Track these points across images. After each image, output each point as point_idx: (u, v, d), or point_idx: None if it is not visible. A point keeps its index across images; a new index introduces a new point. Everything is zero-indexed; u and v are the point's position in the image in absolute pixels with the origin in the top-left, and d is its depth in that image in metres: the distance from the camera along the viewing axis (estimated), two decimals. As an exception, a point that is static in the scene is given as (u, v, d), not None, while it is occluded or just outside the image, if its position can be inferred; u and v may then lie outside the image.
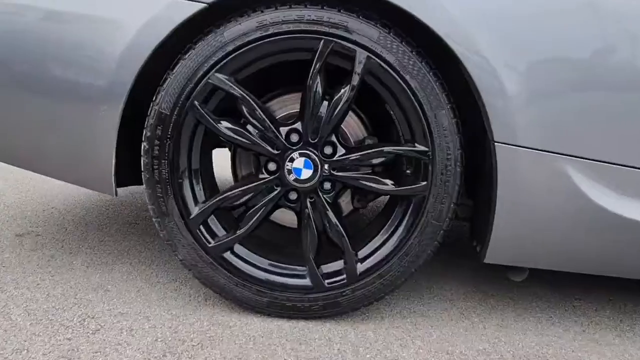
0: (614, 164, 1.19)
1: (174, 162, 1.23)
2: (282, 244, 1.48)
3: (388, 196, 1.41)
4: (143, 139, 1.23)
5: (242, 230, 1.26)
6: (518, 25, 1.14)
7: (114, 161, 1.27)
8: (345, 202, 1.45)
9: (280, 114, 1.40)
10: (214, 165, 1.58)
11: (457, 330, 1.33)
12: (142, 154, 1.23)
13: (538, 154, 1.17)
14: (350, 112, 1.41)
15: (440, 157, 1.21)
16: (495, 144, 1.19)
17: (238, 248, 1.30)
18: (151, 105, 1.22)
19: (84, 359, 1.05)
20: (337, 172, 1.25)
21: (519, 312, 1.48)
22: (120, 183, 1.35)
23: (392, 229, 1.29)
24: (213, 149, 1.58)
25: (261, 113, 1.22)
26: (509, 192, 1.22)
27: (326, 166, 1.24)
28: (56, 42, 1.21)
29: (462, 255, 1.92)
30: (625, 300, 1.62)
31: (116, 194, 1.32)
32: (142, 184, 1.28)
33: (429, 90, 1.19)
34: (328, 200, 1.28)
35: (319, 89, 1.21)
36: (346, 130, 1.40)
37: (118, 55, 1.18)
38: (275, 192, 1.26)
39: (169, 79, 1.19)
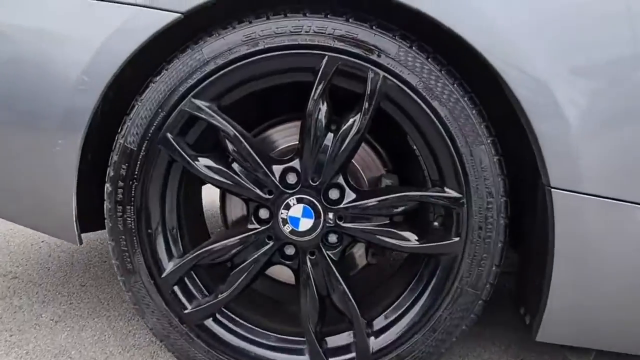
0: None
1: (142, 209, 0.99)
2: (279, 302, 1.22)
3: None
4: (106, 179, 1.00)
5: (224, 295, 1.01)
6: (588, 32, 0.86)
7: (74, 204, 1.04)
8: (358, 255, 1.18)
9: (281, 146, 1.15)
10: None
11: None
12: (105, 197, 1.00)
13: (613, 205, 0.88)
14: (366, 146, 1.16)
15: (477, 205, 0.94)
16: (552, 190, 0.90)
17: (223, 314, 1.05)
18: (116, 138, 0.99)
19: None
20: (344, 222, 0.98)
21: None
22: (89, 227, 1.12)
23: (415, 296, 1.01)
24: (203, 184, 1.34)
25: (248, 147, 0.97)
26: (571, 250, 0.93)
27: (331, 215, 0.98)
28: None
29: (503, 307, 1.61)
30: None
31: (81, 242, 1.10)
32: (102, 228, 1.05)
33: (463, 119, 0.92)
34: (333, 257, 1.01)
35: (322, 118, 0.96)
36: (357, 167, 1.14)
37: (74, 78, 0.96)
38: (268, 246, 1.01)
39: (136, 107, 0.97)
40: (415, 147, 1.00)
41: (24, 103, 1.00)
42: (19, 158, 1.04)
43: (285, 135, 1.15)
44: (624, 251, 0.91)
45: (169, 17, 0.91)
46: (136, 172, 0.98)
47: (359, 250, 1.17)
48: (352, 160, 1.13)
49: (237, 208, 1.21)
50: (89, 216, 1.09)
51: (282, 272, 1.16)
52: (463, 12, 0.87)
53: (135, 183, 0.98)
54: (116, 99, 1.01)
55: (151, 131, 0.96)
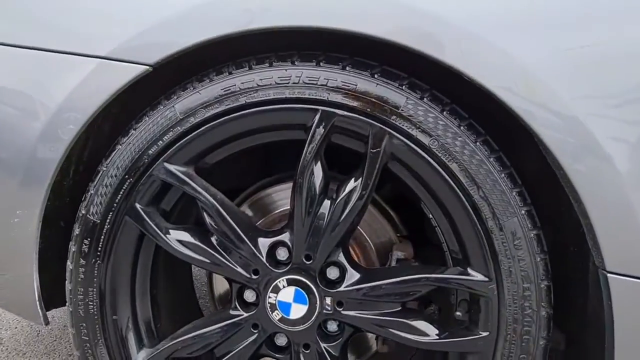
0: None
1: (106, 292, 0.84)
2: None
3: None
4: (68, 256, 0.86)
5: (202, 396, 0.83)
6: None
7: (37, 284, 0.90)
8: (368, 337, 0.99)
9: (280, 208, 0.99)
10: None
11: None
12: (66, 276, 0.86)
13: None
14: (374, 210, 0.98)
15: (511, 292, 0.74)
16: (608, 275, 0.70)
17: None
18: (79, 208, 0.85)
19: None
20: (345, 309, 0.80)
21: None
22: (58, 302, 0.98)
23: (435, 402, 0.81)
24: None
25: (229, 219, 0.81)
26: (635, 343, 0.72)
27: (328, 300, 0.80)
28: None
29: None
30: None
31: (47, 322, 0.95)
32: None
33: (489, 185, 0.74)
34: (332, 352, 0.83)
35: (316, 183, 0.79)
36: (364, 233, 0.96)
37: (32, 142, 0.83)
38: (253, 337, 0.83)
39: (100, 172, 0.83)
40: (431, 217, 0.82)
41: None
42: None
43: (280, 198, 0.99)
44: None
45: (135, 71, 0.78)
46: (99, 249, 0.83)
47: (370, 338, 0.98)
48: (360, 228, 0.96)
49: (224, 284, 1.04)
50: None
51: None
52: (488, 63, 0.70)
53: (99, 261, 0.83)
54: (80, 167, 0.88)
55: (117, 200, 0.82)
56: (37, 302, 0.92)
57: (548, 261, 0.75)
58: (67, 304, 0.87)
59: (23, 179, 0.85)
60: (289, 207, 0.95)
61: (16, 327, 1.58)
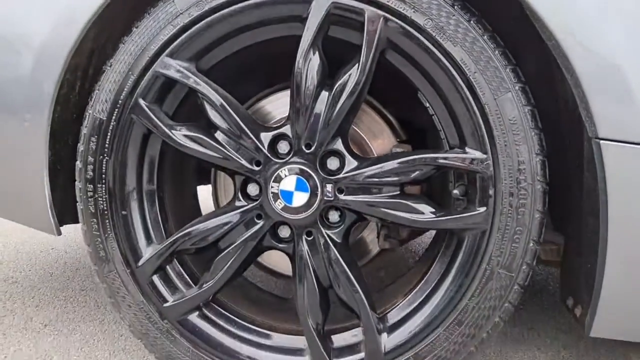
0: None
1: (114, 188, 0.87)
2: (278, 296, 1.06)
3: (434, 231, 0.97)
4: (77, 156, 0.89)
5: (209, 284, 0.86)
6: None
7: (47, 190, 0.94)
8: (369, 240, 1.02)
9: (275, 118, 1.01)
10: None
11: None
12: (75, 176, 0.89)
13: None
14: (373, 113, 1.00)
15: (507, 167, 0.76)
16: (601, 142, 0.72)
17: (211, 308, 0.91)
18: (86, 109, 0.88)
19: None
20: (346, 195, 0.83)
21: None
22: (69, 220, 1.01)
23: (434, 283, 0.84)
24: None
25: (231, 112, 0.84)
26: (629, 215, 0.74)
27: (329, 187, 0.83)
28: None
29: (545, 293, 1.40)
30: None
31: (59, 233, 0.99)
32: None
33: (483, 63, 0.75)
34: (335, 238, 0.85)
35: (315, 73, 0.81)
36: (364, 137, 0.98)
37: (38, 43, 0.86)
38: (257, 226, 0.86)
39: (106, 71, 0.86)
40: (428, 105, 0.84)
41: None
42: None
43: (279, 106, 1.01)
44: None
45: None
46: (107, 146, 0.86)
47: (369, 235, 1.00)
48: (359, 131, 0.98)
49: (229, 192, 1.07)
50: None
51: (281, 262, 1.02)
52: None
53: (107, 158, 0.86)
54: (85, 83, 0.91)
55: (122, 98, 0.85)
56: (49, 211, 0.96)
57: (542, 136, 0.77)
58: (77, 202, 0.89)
59: (29, 80, 0.88)
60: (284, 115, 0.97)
61: (30, 270, 1.62)
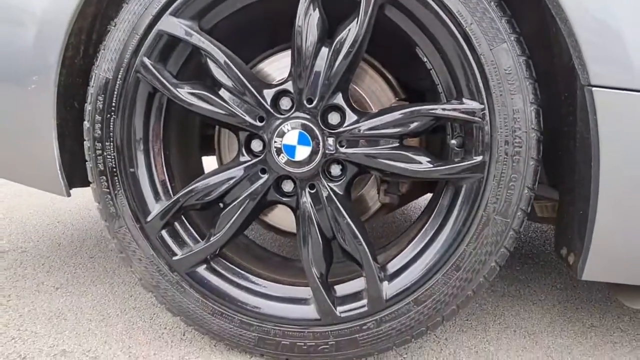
0: None
1: (122, 145, 0.90)
2: (283, 256, 1.10)
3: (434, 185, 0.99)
4: (84, 115, 0.91)
5: (216, 237, 0.90)
6: None
7: (57, 151, 0.96)
8: (370, 196, 1.05)
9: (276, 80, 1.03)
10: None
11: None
12: (84, 135, 0.92)
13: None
14: (372, 72, 1.02)
15: (502, 116, 0.79)
16: (593, 89, 0.75)
17: (219, 262, 0.94)
18: (92, 69, 0.90)
19: None
20: (347, 148, 0.86)
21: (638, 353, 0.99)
22: (77, 183, 1.04)
23: (434, 230, 0.87)
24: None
25: (235, 69, 0.86)
26: (620, 167, 0.77)
27: (330, 140, 0.86)
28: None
29: (541, 255, 1.44)
30: None
31: (69, 194, 1.02)
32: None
33: (479, 14, 0.77)
34: (337, 190, 0.88)
35: (315, 29, 0.83)
36: (364, 96, 1.01)
37: (41, 8, 0.88)
38: (262, 180, 0.89)
39: (111, 31, 0.88)
40: (426, 60, 0.86)
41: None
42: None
43: (280, 67, 1.03)
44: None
45: None
46: (114, 104, 0.88)
47: (370, 191, 1.03)
48: (359, 90, 1.00)
49: (232, 150, 1.10)
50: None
51: (285, 219, 1.05)
52: None
53: (114, 116, 0.89)
54: (89, 48, 0.93)
55: (127, 57, 0.87)
56: (59, 173, 0.98)
57: (537, 86, 0.79)
58: (86, 161, 0.92)
59: (33, 42, 0.90)
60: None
61: (38, 240, 1.65)
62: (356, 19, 0.82)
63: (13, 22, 0.93)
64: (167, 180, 0.96)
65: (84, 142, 0.92)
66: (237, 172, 0.89)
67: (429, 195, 1.19)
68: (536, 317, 1.14)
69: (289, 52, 0.97)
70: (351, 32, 0.82)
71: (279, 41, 1.05)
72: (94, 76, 0.89)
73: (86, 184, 1.04)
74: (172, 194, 0.95)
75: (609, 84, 0.74)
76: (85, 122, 0.90)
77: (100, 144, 0.90)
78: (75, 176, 1.02)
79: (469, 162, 0.81)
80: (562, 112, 0.85)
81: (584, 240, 0.81)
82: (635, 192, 0.76)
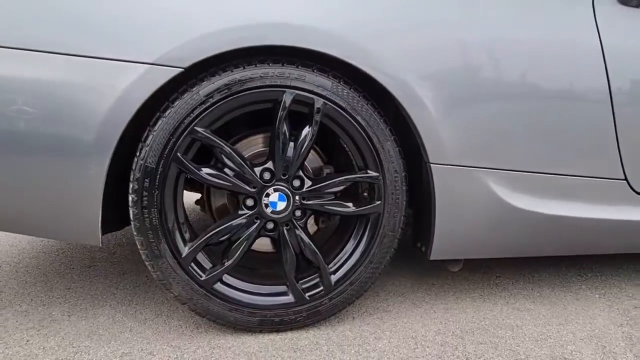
0: (519, 171, 1.54)
1: (162, 210, 1.36)
2: (257, 267, 1.66)
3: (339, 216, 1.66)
4: (130, 192, 1.34)
5: (230, 262, 1.43)
6: (437, 60, 1.44)
7: (100, 214, 1.37)
8: (310, 225, 1.67)
9: (245, 155, 1.57)
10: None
11: (414, 318, 1.62)
12: (130, 205, 1.35)
13: (467, 170, 1.49)
14: (313, 152, 1.64)
15: (389, 179, 1.48)
16: (431, 165, 1.48)
17: (226, 277, 1.47)
18: (135, 160, 1.34)
19: (110, 400, 1.16)
20: (306, 200, 1.46)
21: (457, 295, 1.81)
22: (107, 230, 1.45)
23: (356, 243, 1.54)
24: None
25: (238, 158, 1.40)
26: (445, 201, 1.52)
27: (297, 197, 1.45)
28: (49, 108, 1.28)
29: (404, 257, 2.23)
30: (533, 273, 2.03)
31: (101, 243, 1.42)
32: (113, 230, 1.42)
33: (375, 126, 1.45)
34: (301, 225, 1.49)
35: (286, 132, 1.42)
36: (305, 163, 1.62)
37: (104, 114, 1.29)
38: (256, 224, 1.45)
39: (151, 135, 1.33)
40: (346, 146, 1.51)
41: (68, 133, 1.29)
42: (55, 179, 1.33)
43: (249, 146, 1.57)
44: (475, 196, 1.53)
45: (176, 71, 1.29)
46: (157, 184, 1.34)
47: (310, 221, 1.66)
48: (305, 162, 1.61)
49: (218, 199, 1.62)
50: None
51: (262, 245, 1.61)
52: (358, 50, 1.39)
53: (157, 191, 1.34)
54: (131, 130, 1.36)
55: (165, 153, 1.33)
56: (100, 229, 1.39)
57: (405, 162, 1.50)
58: (132, 222, 1.35)
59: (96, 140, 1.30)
60: (253, 152, 1.55)
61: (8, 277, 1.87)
62: (309, 126, 1.42)
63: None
64: (187, 229, 1.44)
65: (130, 209, 1.35)
66: (241, 220, 1.43)
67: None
68: (403, 283, 1.90)
69: (260, 135, 1.54)
70: (307, 135, 1.43)
71: (255, 127, 1.59)
72: (138, 165, 1.33)
73: (108, 232, 1.46)
74: (190, 238, 1.43)
75: (441, 161, 1.49)
76: (132, 196, 1.34)
77: (147, 210, 1.34)
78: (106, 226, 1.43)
79: (373, 205, 1.50)
80: (418, 174, 1.59)
81: (429, 239, 1.57)
82: (452, 217, 1.53)
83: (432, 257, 1.58)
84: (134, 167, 1.34)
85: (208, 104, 1.34)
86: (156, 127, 1.33)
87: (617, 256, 2.20)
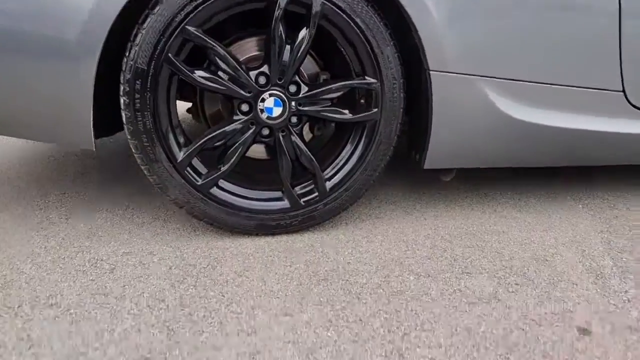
0: (519, 80, 1.52)
1: (155, 113, 1.33)
2: (253, 174, 1.67)
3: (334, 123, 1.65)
4: (121, 94, 1.30)
5: (226, 167, 1.43)
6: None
7: (91, 116, 1.34)
8: (305, 132, 1.65)
9: (240, 58, 1.52)
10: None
11: (405, 224, 1.67)
12: (122, 108, 1.32)
13: (464, 78, 1.46)
14: (310, 58, 1.58)
15: (387, 86, 1.46)
16: (430, 72, 1.45)
17: (223, 183, 1.48)
18: (125, 60, 1.28)
19: (116, 293, 1.22)
20: (302, 107, 1.44)
21: (447, 204, 1.86)
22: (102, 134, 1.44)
23: (352, 149, 1.54)
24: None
25: (232, 61, 1.34)
26: (442, 110, 1.51)
27: (293, 103, 1.43)
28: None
29: (396, 168, 2.26)
30: (522, 185, 2.08)
31: (95, 147, 1.40)
32: (107, 135, 1.42)
33: (375, 29, 1.39)
34: (297, 132, 1.48)
35: (282, 34, 1.35)
36: (303, 71, 1.57)
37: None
38: (252, 130, 1.43)
39: (140, 34, 1.26)
40: (343, 50, 1.45)
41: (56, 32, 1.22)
42: (43, 80, 1.28)
43: (242, 49, 1.51)
44: (473, 106, 1.52)
45: (163, -38, 1.20)
46: (148, 86, 1.30)
47: (305, 128, 1.64)
48: (301, 68, 1.56)
49: (211, 105, 1.58)
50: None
51: (255, 152, 1.61)
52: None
53: (149, 94, 1.31)
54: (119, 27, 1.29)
55: (156, 53, 1.28)
56: (92, 131, 1.36)
57: (403, 68, 1.46)
58: (125, 125, 1.33)
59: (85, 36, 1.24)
60: (246, 55, 1.50)
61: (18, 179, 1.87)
62: (306, 28, 1.36)
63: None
64: (183, 134, 1.42)
65: (123, 113, 1.32)
66: (236, 125, 1.41)
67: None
68: (395, 192, 1.94)
69: (255, 38, 1.48)
70: (304, 37, 1.37)
71: (247, 29, 1.52)
72: (129, 67, 1.28)
73: (101, 136, 1.44)
74: (185, 143, 1.42)
75: (441, 69, 1.45)
76: (124, 99, 1.30)
77: (139, 113, 1.32)
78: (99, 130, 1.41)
79: (370, 112, 1.48)
80: (417, 82, 1.56)
81: (424, 148, 1.57)
82: (447, 127, 1.52)
83: (426, 166, 1.60)
84: (123, 68, 1.29)
85: (199, 0, 1.26)
86: (145, 25, 1.26)
87: (604, 168, 2.26)
